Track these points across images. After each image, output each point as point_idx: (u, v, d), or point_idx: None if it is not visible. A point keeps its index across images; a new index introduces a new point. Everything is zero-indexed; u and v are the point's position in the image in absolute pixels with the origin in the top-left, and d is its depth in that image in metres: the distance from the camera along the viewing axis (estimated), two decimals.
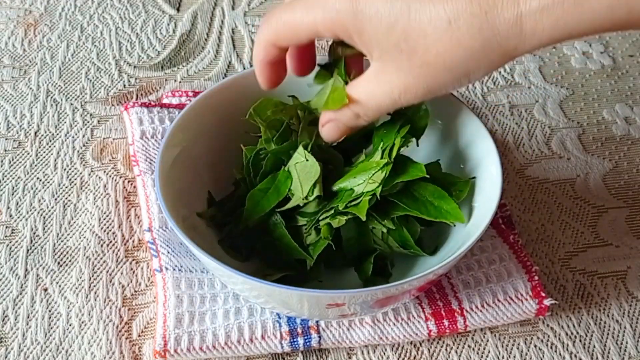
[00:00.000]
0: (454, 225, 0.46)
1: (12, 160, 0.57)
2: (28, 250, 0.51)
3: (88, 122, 0.60)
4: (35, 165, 0.56)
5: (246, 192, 0.47)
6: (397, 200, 0.45)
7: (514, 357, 0.47)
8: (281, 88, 0.53)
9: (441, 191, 0.45)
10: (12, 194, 0.54)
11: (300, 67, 0.47)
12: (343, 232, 0.46)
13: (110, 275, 0.50)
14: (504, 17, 0.35)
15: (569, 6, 0.34)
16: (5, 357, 0.45)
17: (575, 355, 0.47)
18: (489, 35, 0.35)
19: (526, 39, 0.35)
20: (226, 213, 0.49)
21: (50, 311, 0.48)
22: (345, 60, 0.44)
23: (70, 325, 0.47)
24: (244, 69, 0.65)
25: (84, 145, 0.58)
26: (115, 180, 0.55)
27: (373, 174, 0.44)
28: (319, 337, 0.45)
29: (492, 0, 0.35)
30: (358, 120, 0.42)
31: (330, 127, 0.44)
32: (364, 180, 0.44)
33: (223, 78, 0.63)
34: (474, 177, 0.47)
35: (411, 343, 0.47)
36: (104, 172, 0.56)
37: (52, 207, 0.53)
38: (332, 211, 0.44)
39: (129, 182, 0.55)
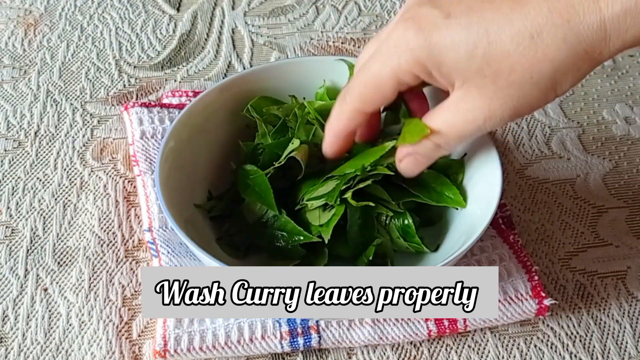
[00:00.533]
0: (457, 209, 0.47)
1: (12, 160, 0.57)
2: (28, 250, 0.51)
3: (88, 122, 0.60)
4: (35, 165, 0.56)
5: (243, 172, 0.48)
6: (404, 184, 0.45)
7: (514, 357, 0.47)
8: (282, 87, 0.53)
9: (442, 177, 0.46)
10: (12, 194, 0.54)
11: (369, 132, 0.46)
12: (350, 215, 0.46)
13: (110, 275, 0.50)
14: (587, 24, 0.35)
15: None
16: (5, 357, 0.45)
17: (575, 355, 0.47)
18: (574, 44, 0.35)
19: (611, 43, 0.35)
20: (225, 205, 0.49)
21: (50, 311, 0.48)
22: (405, 98, 0.44)
23: (70, 325, 0.47)
24: (244, 69, 0.65)
25: (84, 145, 0.58)
26: (115, 180, 0.55)
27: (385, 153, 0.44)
28: (319, 337, 0.45)
29: (573, 8, 0.35)
30: (439, 151, 0.41)
31: (410, 161, 0.43)
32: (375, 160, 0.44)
33: (223, 78, 0.63)
34: (465, 155, 0.48)
35: (411, 343, 0.47)
36: (104, 172, 0.56)
37: (52, 207, 0.53)
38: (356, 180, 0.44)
39: (129, 182, 0.55)
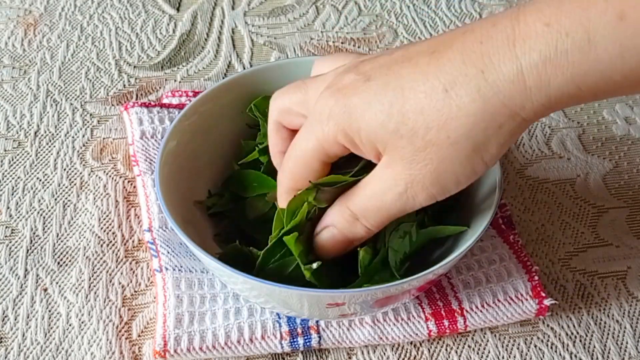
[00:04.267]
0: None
1: (12, 160, 0.57)
2: (28, 250, 0.51)
3: (88, 122, 0.60)
4: (35, 165, 0.56)
5: (248, 174, 0.48)
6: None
7: (514, 357, 0.46)
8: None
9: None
10: (12, 194, 0.54)
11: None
12: None
13: (110, 275, 0.50)
14: (502, 74, 0.32)
15: (573, 56, 0.31)
16: (5, 357, 0.45)
17: (576, 356, 0.47)
18: (489, 96, 0.33)
19: (532, 95, 0.32)
20: (225, 202, 0.49)
21: (50, 311, 0.48)
22: None
23: (70, 325, 0.47)
24: (244, 69, 0.65)
25: (84, 145, 0.58)
26: (115, 180, 0.55)
27: None
28: (319, 337, 0.45)
29: (488, 58, 0.33)
30: (356, 227, 0.39)
31: (326, 235, 0.40)
32: None
33: (223, 78, 0.63)
34: None
35: (411, 343, 0.47)
36: (104, 172, 0.56)
37: (52, 207, 0.53)
38: None
39: (129, 182, 0.55)
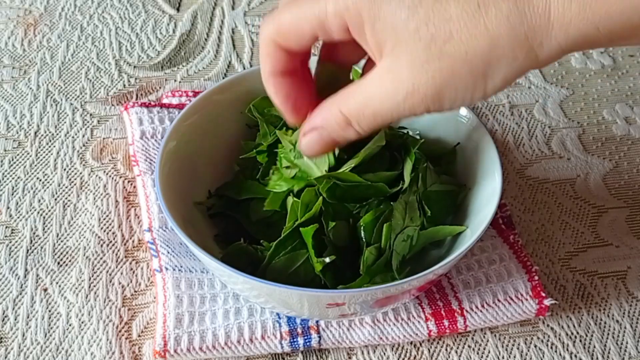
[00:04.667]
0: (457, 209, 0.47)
1: (12, 160, 0.57)
2: (28, 250, 0.51)
3: (88, 122, 0.60)
4: (35, 165, 0.56)
5: (245, 182, 0.48)
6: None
7: (514, 357, 0.46)
8: None
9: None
10: (12, 194, 0.54)
11: (307, 99, 0.40)
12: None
13: (110, 275, 0.50)
14: (533, 5, 0.32)
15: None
16: (5, 357, 0.45)
17: (576, 356, 0.47)
18: (516, 23, 0.32)
19: (553, 32, 0.32)
20: (225, 203, 0.49)
21: (50, 311, 0.48)
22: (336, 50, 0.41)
23: (70, 325, 0.47)
24: (244, 69, 0.65)
25: (84, 145, 0.58)
26: (115, 180, 0.55)
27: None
28: (319, 337, 0.45)
29: None
30: (348, 131, 0.37)
31: (313, 137, 0.39)
32: None
33: (223, 78, 0.63)
34: (458, 144, 0.48)
35: (411, 343, 0.47)
36: (104, 172, 0.56)
37: (52, 207, 0.53)
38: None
39: (129, 182, 0.55)
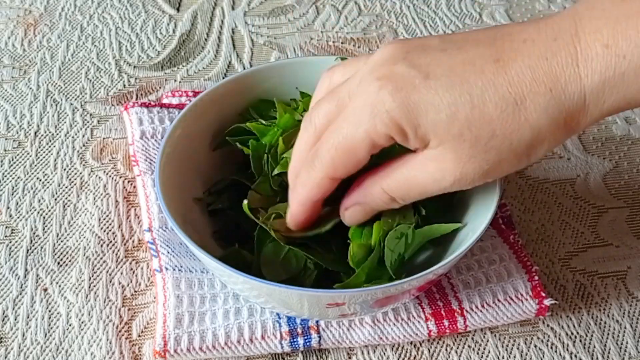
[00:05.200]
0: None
1: (12, 160, 0.57)
2: (28, 250, 0.51)
3: (88, 122, 0.60)
4: (35, 165, 0.56)
5: (244, 183, 0.48)
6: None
7: (514, 357, 0.46)
8: (282, 87, 0.53)
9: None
10: (12, 194, 0.54)
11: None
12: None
13: (110, 275, 0.50)
14: (568, 93, 0.35)
15: (629, 77, 0.34)
16: (5, 357, 0.45)
17: (576, 356, 0.47)
18: (555, 113, 0.35)
19: (589, 113, 0.35)
20: (225, 200, 0.49)
21: (50, 311, 0.48)
22: None
23: (70, 325, 0.47)
24: (244, 69, 0.65)
25: (84, 145, 0.58)
26: (115, 180, 0.55)
27: None
28: (319, 337, 0.45)
29: (555, 77, 0.34)
30: (392, 205, 0.40)
31: (356, 211, 0.41)
32: None
33: (223, 78, 0.63)
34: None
35: (411, 343, 0.47)
36: (104, 172, 0.56)
37: (52, 207, 0.53)
38: None
39: (129, 182, 0.55)
